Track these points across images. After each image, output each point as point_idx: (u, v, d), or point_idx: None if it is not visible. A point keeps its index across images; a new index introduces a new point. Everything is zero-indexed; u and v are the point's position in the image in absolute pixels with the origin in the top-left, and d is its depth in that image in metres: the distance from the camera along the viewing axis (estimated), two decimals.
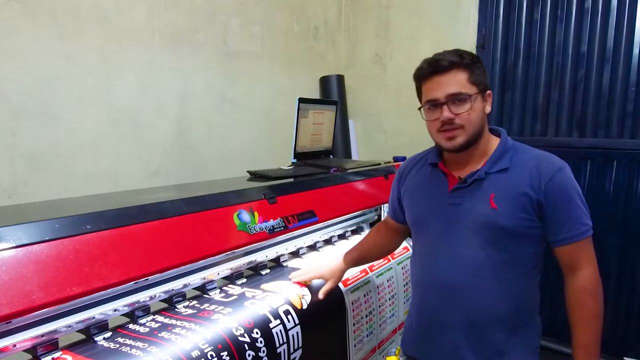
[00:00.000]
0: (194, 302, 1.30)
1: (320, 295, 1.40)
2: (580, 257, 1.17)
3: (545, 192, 1.14)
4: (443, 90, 1.16)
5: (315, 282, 1.47)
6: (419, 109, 1.24)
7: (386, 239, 1.53)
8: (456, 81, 1.16)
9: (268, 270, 1.55)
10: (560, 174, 1.15)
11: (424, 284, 1.31)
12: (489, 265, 1.18)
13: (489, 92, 1.22)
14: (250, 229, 1.45)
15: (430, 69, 1.18)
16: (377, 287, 1.70)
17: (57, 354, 1.00)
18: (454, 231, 1.22)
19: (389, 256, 1.81)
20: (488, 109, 1.22)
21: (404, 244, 1.91)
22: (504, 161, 1.20)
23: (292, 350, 1.26)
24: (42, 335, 0.98)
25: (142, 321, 1.17)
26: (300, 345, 1.29)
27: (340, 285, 1.53)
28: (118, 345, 1.05)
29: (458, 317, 1.22)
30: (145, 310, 1.20)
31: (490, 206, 1.17)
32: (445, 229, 1.23)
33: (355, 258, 1.48)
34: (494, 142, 1.25)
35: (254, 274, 1.53)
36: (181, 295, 1.29)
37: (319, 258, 1.73)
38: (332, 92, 3.19)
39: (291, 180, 1.80)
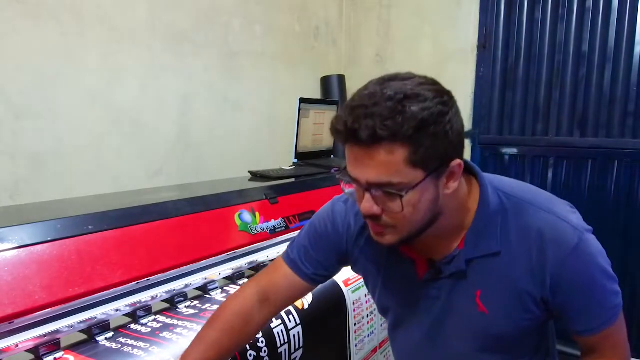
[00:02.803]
0: (196, 302, 1.30)
1: None
2: (606, 345, 0.86)
3: (552, 287, 0.79)
4: (363, 173, 0.73)
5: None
6: (336, 171, 0.80)
7: (266, 312, 1.00)
8: (384, 163, 0.70)
9: None
10: (573, 259, 0.78)
11: None
12: None
13: (456, 162, 0.74)
14: (251, 229, 1.45)
15: (347, 136, 0.72)
16: None
17: (59, 354, 1.00)
18: (435, 333, 0.91)
19: None
20: (453, 186, 0.76)
21: None
22: (492, 240, 0.81)
23: (293, 350, 1.26)
24: (44, 336, 0.98)
25: (143, 321, 1.17)
26: (301, 345, 1.29)
27: (342, 285, 1.53)
28: (120, 345, 1.05)
29: None
30: (147, 310, 1.20)
31: (478, 308, 0.84)
32: (423, 329, 0.93)
33: None
34: (473, 199, 0.83)
35: (255, 274, 1.53)
36: (183, 296, 1.29)
37: None
38: (333, 92, 3.19)
39: (292, 180, 1.80)
